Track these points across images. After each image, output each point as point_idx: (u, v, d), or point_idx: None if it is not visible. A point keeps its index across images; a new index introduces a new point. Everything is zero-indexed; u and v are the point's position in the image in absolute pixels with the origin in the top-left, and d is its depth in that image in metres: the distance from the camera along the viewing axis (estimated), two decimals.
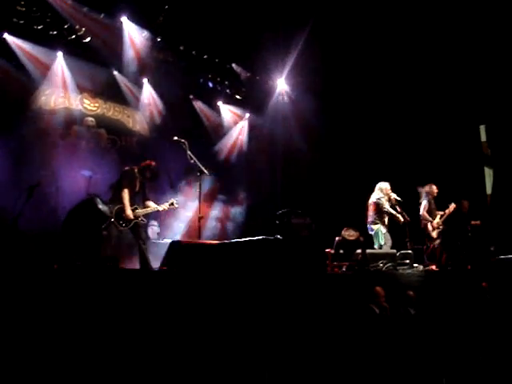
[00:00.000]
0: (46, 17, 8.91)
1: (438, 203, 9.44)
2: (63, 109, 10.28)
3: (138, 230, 7.15)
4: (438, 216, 9.29)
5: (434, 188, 9.36)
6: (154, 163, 7.34)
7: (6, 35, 8.99)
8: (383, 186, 8.90)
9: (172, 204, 7.43)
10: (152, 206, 7.28)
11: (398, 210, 8.73)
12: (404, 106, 11.24)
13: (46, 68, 9.79)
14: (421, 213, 9.29)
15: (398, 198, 8.78)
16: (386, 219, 8.78)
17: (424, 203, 9.32)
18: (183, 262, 6.16)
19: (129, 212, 6.95)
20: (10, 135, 8.80)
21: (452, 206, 9.26)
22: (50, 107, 10.13)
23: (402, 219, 8.67)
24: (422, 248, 9.24)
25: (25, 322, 4.42)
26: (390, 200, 8.84)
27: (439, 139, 10.96)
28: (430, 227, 9.25)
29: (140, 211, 7.08)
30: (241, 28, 10.03)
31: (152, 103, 11.25)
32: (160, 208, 7.35)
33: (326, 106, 11.78)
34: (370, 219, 8.85)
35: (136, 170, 7.22)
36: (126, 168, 7.26)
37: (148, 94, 11.20)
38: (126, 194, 7.02)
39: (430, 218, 9.23)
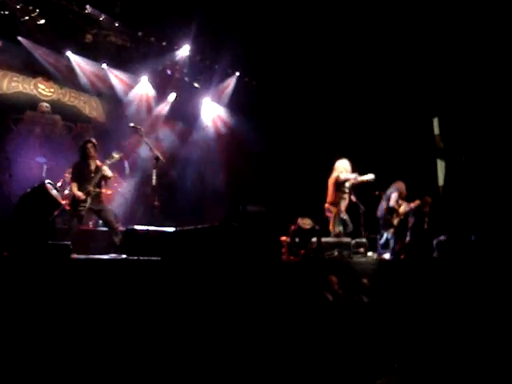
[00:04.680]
0: None
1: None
2: (17, 93, 10.03)
3: (103, 216, 7.08)
4: (402, 206, 9.33)
5: (403, 187, 9.37)
6: (87, 141, 7.19)
7: None
8: (342, 163, 8.60)
9: (112, 157, 7.12)
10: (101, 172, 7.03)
11: (353, 199, 8.75)
12: (357, 99, 11.37)
13: None
14: (391, 204, 9.05)
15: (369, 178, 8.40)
16: (346, 201, 8.53)
17: (394, 196, 9.26)
18: (138, 250, 6.13)
19: (76, 192, 6.82)
20: None
21: (416, 202, 9.31)
22: (2, 91, 9.85)
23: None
24: (376, 237, 9.39)
25: None
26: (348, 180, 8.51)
27: (393, 132, 11.15)
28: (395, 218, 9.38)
29: (89, 186, 6.95)
30: (199, 14, 9.95)
31: (119, 88, 11.21)
32: (106, 171, 7.00)
33: (280, 93, 11.88)
34: (328, 199, 8.52)
35: (81, 160, 7.10)
36: (75, 162, 7.13)
37: (111, 79, 11.12)
38: (73, 186, 6.89)
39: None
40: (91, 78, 10.85)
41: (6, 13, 8.92)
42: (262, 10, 9.76)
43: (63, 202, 6.69)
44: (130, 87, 11.33)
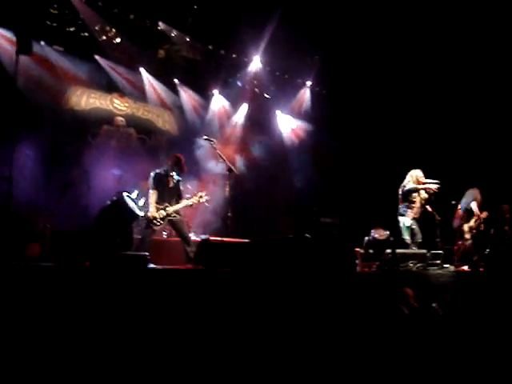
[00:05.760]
0: (77, 19, 9.13)
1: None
2: (94, 109, 10.48)
3: (177, 227, 7.25)
4: (473, 220, 9.18)
5: (478, 194, 9.23)
6: (179, 156, 7.36)
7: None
8: (414, 172, 8.49)
9: (201, 197, 7.39)
10: (183, 202, 7.30)
11: (429, 209, 8.55)
12: (430, 107, 11.08)
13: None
14: (476, 212, 9.17)
15: (432, 186, 8.27)
16: (416, 209, 8.36)
17: (474, 205, 9.16)
18: (213, 261, 6.19)
19: (151, 211, 7.00)
20: (43, 135, 9.00)
21: (485, 214, 9.15)
22: (81, 107, 10.31)
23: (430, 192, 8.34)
24: (453, 248, 9.11)
25: (56, 317, 4.50)
26: (422, 189, 8.38)
27: (465, 139, 10.77)
28: (466, 228, 9.17)
29: (170, 208, 7.11)
30: (269, 26, 10.01)
31: (190, 102, 11.50)
32: (190, 202, 7.30)
33: (354, 102, 11.75)
34: (399, 210, 8.45)
35: (164, 171, 7.25)
36: (156, 171, 7.29)
37: (183, 93, 11.45)
38: (151, 195, 7.11)
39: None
40: (162, 92, 11.19)
41: (86, 34, 9.39)
42: (332, 20, 9.73)
43: (140, 214, 6.88)
44: (201, 100, 11.57)
